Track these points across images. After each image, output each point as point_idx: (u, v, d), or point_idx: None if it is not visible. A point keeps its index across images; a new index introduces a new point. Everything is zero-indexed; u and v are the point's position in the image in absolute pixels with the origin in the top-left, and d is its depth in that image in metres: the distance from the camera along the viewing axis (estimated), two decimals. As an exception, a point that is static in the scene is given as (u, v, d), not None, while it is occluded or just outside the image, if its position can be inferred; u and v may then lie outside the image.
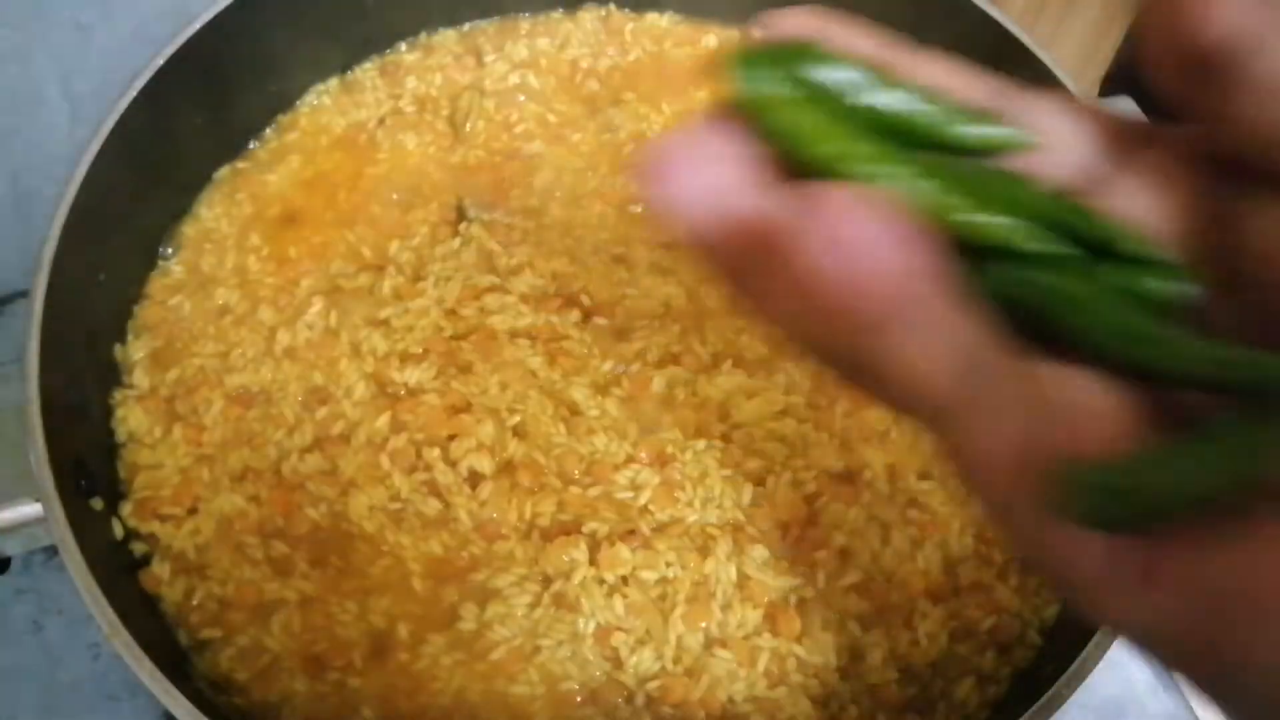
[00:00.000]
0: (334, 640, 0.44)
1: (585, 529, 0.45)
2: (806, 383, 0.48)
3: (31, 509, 0.44)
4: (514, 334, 0.50)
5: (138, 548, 0.46)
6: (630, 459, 0.46)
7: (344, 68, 0.59)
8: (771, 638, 0.44)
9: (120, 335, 0.50)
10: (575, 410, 0.48)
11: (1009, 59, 0.49)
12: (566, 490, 0.46)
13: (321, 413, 0.48)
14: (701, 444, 0.47)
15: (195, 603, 0.45)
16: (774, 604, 0.44)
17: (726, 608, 0.44)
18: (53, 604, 0.55)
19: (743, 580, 0.44)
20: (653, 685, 0.43)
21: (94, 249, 0.48)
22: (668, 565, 0.44)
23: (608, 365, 0.49)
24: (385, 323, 0.50)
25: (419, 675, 0.44)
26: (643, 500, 0.45)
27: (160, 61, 0.49)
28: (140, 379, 0.49)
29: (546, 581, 0.44)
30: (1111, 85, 0.49)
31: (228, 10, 0.51)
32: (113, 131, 0.48)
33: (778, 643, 0.44)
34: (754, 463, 0.46)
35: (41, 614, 0.54)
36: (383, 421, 0.47)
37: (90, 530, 0.43)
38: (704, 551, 0.44)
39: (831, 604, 0.44)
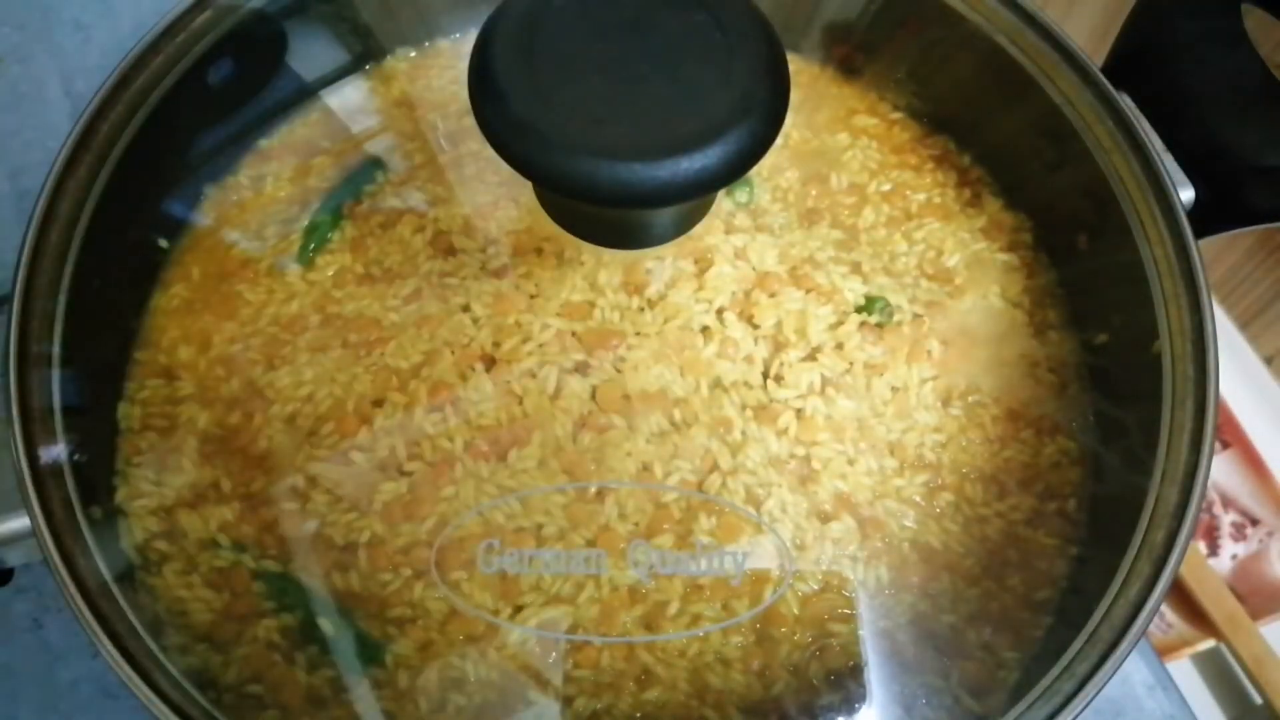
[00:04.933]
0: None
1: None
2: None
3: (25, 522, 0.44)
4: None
5: (136, 555, 0.47)
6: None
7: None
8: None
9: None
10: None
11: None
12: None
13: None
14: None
15: (194, 614, 0.46)
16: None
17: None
18: (53, 602, 0.55)
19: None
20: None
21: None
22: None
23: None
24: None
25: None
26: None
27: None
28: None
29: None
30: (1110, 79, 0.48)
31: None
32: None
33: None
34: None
35: (41, 612, 0.55)
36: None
37: (86, 540, 0.44)
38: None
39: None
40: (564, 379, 0.45)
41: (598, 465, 0.45)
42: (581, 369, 0.46)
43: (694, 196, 0.39)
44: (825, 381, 0.46)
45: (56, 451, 0.45)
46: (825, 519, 0.45)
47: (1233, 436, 0.84)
